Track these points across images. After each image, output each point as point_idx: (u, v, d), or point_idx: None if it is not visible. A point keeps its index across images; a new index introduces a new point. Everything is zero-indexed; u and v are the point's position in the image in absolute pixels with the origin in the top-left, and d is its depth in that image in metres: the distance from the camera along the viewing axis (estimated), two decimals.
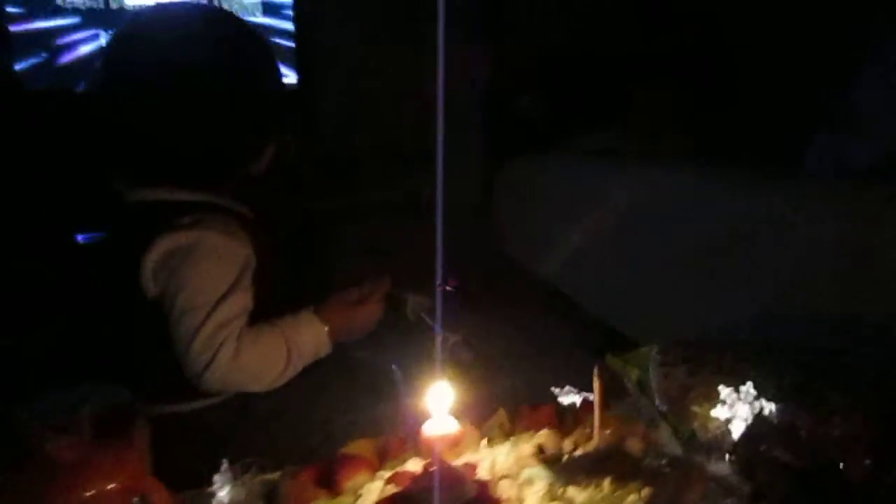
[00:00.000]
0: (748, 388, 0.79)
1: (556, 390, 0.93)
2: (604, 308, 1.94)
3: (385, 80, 2.53)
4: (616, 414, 0.83)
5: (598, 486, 0.64)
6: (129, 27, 0.91)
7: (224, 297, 0.84)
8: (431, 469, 0.59)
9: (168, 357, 0.86)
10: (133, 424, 0.64)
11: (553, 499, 0.62)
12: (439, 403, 0.63)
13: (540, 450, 0.63)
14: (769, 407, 0.77)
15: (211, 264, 0.85)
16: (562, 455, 0.65)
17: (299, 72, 2.61)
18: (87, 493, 0.57)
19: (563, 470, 0.65)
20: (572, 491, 0.63)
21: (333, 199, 2.29)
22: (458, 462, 0.67)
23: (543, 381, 0.95)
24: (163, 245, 0.84)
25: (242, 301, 0.87)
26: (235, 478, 0.76)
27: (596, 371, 0.67)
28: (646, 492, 0.64)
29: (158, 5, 0.99)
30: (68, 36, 2.48)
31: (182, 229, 0.85)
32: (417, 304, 1.09)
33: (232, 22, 0.96)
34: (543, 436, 0.65)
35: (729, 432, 0.81)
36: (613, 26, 2.64)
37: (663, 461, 0.70)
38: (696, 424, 0.83)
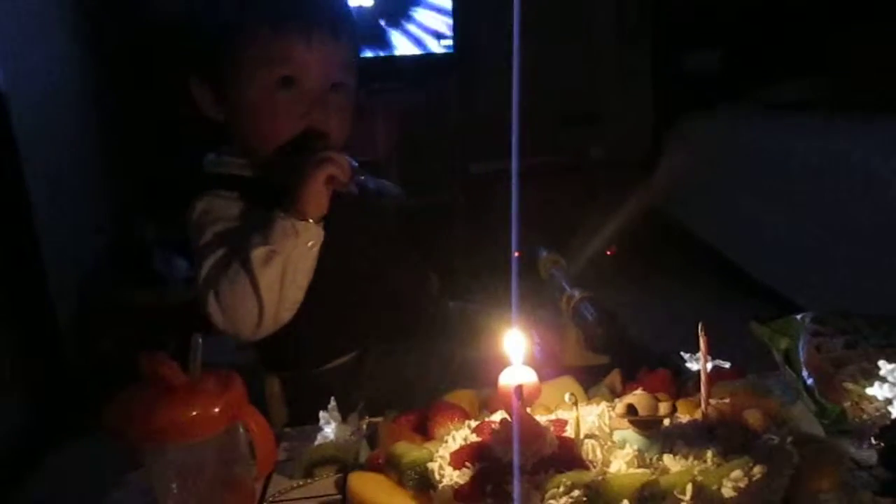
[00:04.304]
0: None
1: (687, 356, 0.85)
2: (773, 278, 1.74)
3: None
4: (747, 385, 0.74)
5: (698, 457, 0.57)
6: None
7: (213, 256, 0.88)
8: (507, 421, 0.57)
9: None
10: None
11: (643, 465, 0.57)
12: (516, 352, 0.60)
13: (631, 411, 0.57)
14: None
15: (208, 228, 0.90)
16: (659, 420, 0.59)
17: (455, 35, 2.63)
18: (192, 413, 0.62)
19: (661, 436, 0.59)
20: (668, 459, 0.57)
21: (494, 162, 2.28)
22: (548, 417, 0.64)
23: (679, 348, 0.87)
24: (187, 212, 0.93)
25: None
26: (343, 417, 0.79)
27: (700, 329, 0.59)
28: (758, 469, 0.55)
29: None
30: None
31: (195, 199, 0.93)
32: (550, 262, 1.09)
33: None
34: (636, 396, 0.59)
35: (888, 414, 0.69)
36: None
37: (789, 438, 0.60)
38: (847, 404, 0.72)
